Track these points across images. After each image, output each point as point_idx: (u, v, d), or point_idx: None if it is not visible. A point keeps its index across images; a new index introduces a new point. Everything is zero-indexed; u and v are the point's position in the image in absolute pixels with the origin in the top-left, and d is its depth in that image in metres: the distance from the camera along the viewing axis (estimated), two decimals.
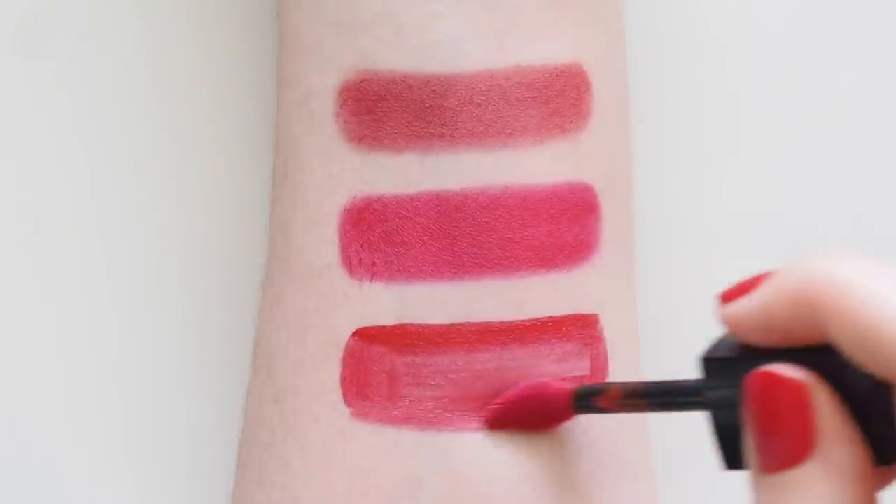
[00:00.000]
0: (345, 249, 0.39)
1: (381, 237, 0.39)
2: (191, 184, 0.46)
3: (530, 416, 0.38)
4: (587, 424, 0.39)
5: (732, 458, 0.34)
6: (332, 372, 0.39)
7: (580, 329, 0.39)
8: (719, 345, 0.34)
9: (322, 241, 0.39)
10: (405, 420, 0.38)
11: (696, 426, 0.46)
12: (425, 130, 0.39)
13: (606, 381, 0.39)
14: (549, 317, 0.39)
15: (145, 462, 0.46)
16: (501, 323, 0.39)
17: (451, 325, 0.39)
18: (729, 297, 0.33)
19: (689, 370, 0.46)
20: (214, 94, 0.46)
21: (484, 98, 0.38)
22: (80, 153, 0.46)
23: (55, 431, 0.47)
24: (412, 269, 0.39)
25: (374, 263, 0.39)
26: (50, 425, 0.47)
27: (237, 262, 0.46)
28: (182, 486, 0.46)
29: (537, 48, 0.39)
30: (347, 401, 0.39)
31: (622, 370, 0.40)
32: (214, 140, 0.46)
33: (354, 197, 0.39)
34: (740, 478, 0.46)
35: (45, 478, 0.47)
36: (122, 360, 0.46)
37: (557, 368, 0.39)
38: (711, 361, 0.34)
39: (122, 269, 0.46)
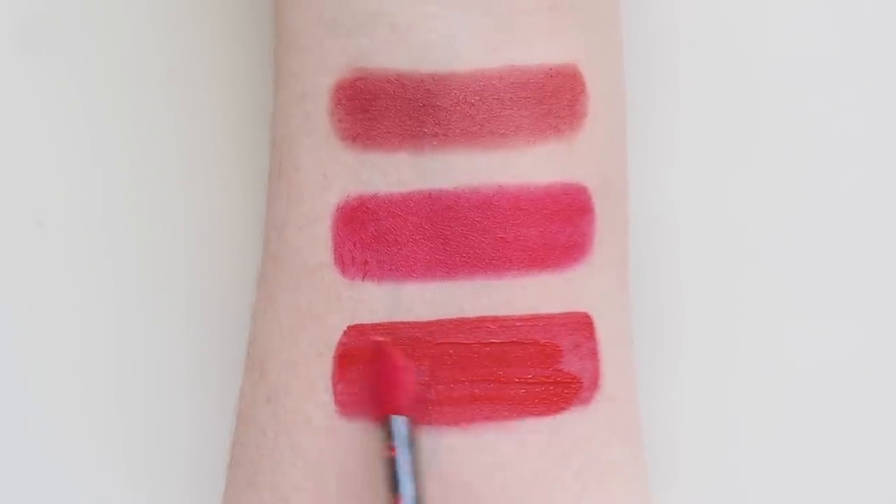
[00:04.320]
0: (338, 248, 0.39)
1: (373, 236, 0.39)
2: (188, 182, 0.46)
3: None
4: (577, 423, 0.39)
5: None
6: (323, 371, 0.39)
7: (572, 328, 0.39)
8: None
9: (315, 239, 0.39)
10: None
11: (690, 425, 0.46)
12: (419, 130, 0.39)
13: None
14: (541, 314, 0.39)
15: (137, 461, 0.46)
16: (493, 321, 0.39)
17: (443, 324, 0.38)
18: None
19: (687, 370, 0.46)
20: (212, 94, 0.46)
21: (477, 98, 0.38)
22: (80, 152, 0.47)
23: (53, 429, 0.47)
24: (404, 268, 0.39)
25: (366, 262, 0.39)
26: (47, 422, 0.47)
27: (233, 261, 0.46)
28: (174, 486, 0.46)
29: (532, 49, 0.39)
30: (338, 400, 0.39)
31: (615, 370, 0.40)
32: (212, 139, 0.46)
33: (348, 196, 0.39)
34: (734, 477, 0.46)
35: (43, 476, 0.47)
36: (117, 359, 0.47)
37: (549, 368, 0.39)
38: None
39: (118, 266, 0.47)
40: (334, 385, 0.39)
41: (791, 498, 0.46)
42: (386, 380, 0.38)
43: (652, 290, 0.45)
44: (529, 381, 0.39)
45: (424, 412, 0.38)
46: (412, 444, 0.38)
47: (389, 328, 0.39)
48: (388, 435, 0.38)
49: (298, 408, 0.39)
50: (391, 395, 0.38)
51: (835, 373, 0.46)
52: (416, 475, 0.38)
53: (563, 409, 0.39)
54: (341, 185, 0.39)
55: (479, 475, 0.38)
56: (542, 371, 0.39)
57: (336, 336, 0.39)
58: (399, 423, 0.38)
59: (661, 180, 0.46)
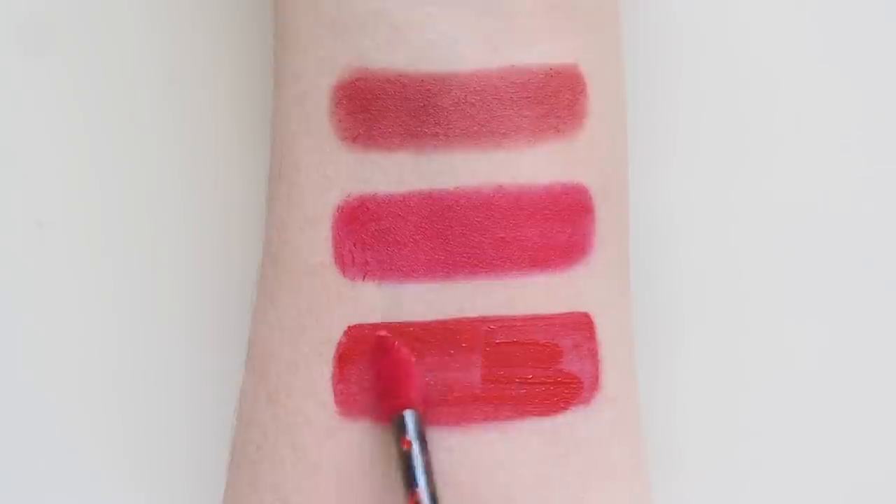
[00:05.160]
0: (338, 248, 0.39)
1: (374, 236, 0.39)
2: (188, 183, 0.46)
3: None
4: (577, 423, 0.39)
5: None
6: (323, 372, 0.39)
7: (573, 328, 0.39)
8: None
9: (316, 240, 0.39)
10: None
11: (691, 425, 0.46)
12: (419, 130, 0.39)
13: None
14: (542, 315, 0.39)
15: (138, 461, 0.47)
16: (493, 321, 0.39)
17: (443, 324, 0.38)
18: None
19: (687, 370, 0.46)
20: (212, 94, 0.46)
21: (478, 98, 0.38)
22: (80, 152, 0.47)
23: (53, 429, 0.47)
24: (405, 269, 0.39)
25: (367, 262, 0.39)
26: (47, 423, 0.47)
27: (233, 262, 0.46)
28: (174, 487, 0.46)
29: (532, 49, 0.39)
30: (339, 401, 0.39)
31: (615, 370, 0.40)
32: (212, 139, 0.46)
33: (348, 196, 0.39)
34: (734, 477, 0.46)
35: (43, 476, 0.47)
36: (118, 359, 0.47)
37: (550, 368, 0.39)
38: None
39: (118, 267, 0.47)
40: (335, 385, 0.39)
41: (791, 497, 0.46)
42: (394, 374, 0.38)
43: (652, 290, 0.45)
44: (530, 381, 0.39)
45: (425, 414, 0.38)
46: (424, 438, 0.38)
47: (390, 328, 0.39)
48: (401, 430, 0.38)
49: (299, 408, 0.39)
50: (401, 390, 0.38)
51: (835, 372, 0.46)
52: (429, 469, 0.38)
53: (563, 409, 0.39)
54: (342, 186, 0.39)
55: (479, 475, 0.38)
56: (542, 371, 0.39)
57: (336, 336, 0.39)
58: (411, 418, 0.38)
59: (661, 180, 0.46)
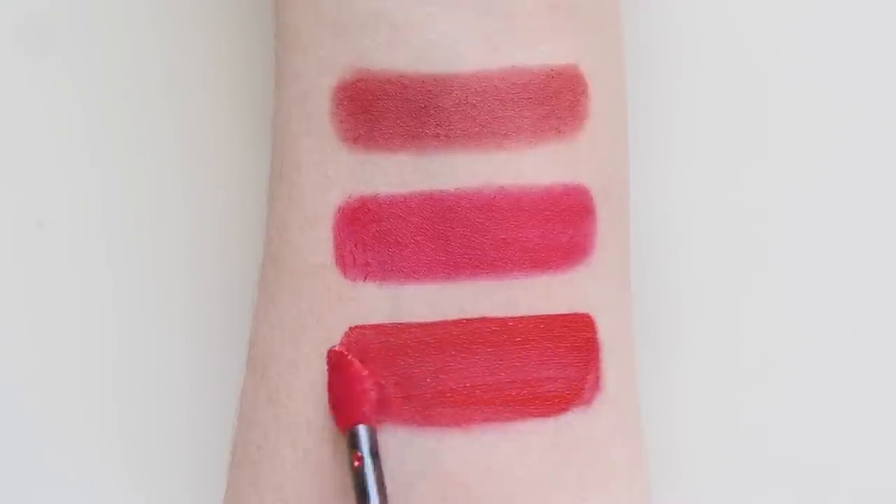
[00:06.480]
0: (339, 249, 0.39)
1: (375, 237, 0.39)
2: (189, 183, 0.46)
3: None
4: (578, 424, 0.39)
5: None
6: (325, 372, 0.39)
7: (574, 329, 0.39)
8: None
9: (316, 240, 0.39)
10: (395, 421, 0.38)
11: (690, 425, 0.46)
12: (420, 130, 0.39)
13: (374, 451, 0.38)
14: (543, 316, 0.39)
15: (138, 462, 0.47)
16: (494, 322, 0.39)
17: (444, 325, 0.38)
18: None
19: (687, 370, 0.46)
20: (212, 94, 0.46)
21: (479, 99, 0.38)
22: (80, 152, 0.47)
23: (53, 429, 0.47)
24: (406, 270, 0.39)
25: (368, 263, 0.39)
26: (47, 423, 0.47)
27: (234, 262, 0.46)
28: (174, 487, 0.46)
29: (533, 50, 0.39)
30: None
31: (616, 371, 0.40)
32: (212, 139, 0.46)
33: (349, 196, 0.39)
34: (734, 478, 0.46)
35: (42, 476, 0.47)
36: (118, 360, 0.47)
37: (551, 369, 0.39)
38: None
39: (119, 267, 0.47)
40: None
41: (791, 498, 0.46)
42: (346, 389, 0.38)
43: (652, 290, 0.45)
44: (531, 382, 0.39)
45: (426, 414, 0.38)
46: (376, 453, 0.38)
47: (391, 329, 0.39)
48: (354, 445, 0.38)
49: (299, 409, 0.39)
50: (353, 405, 0.38)
51: (835, 373, 0.46)
52: (381, 483, 0.38)
53: (564, 410, 0.39)
54: (342, 186, 0.39)
55: (479, 476, 0.38)
56: (543, 372, 0.39)
57: (337, 337, 0.39)
58: (363, 433, 0.38)
59: (662, 181, 0.46)
